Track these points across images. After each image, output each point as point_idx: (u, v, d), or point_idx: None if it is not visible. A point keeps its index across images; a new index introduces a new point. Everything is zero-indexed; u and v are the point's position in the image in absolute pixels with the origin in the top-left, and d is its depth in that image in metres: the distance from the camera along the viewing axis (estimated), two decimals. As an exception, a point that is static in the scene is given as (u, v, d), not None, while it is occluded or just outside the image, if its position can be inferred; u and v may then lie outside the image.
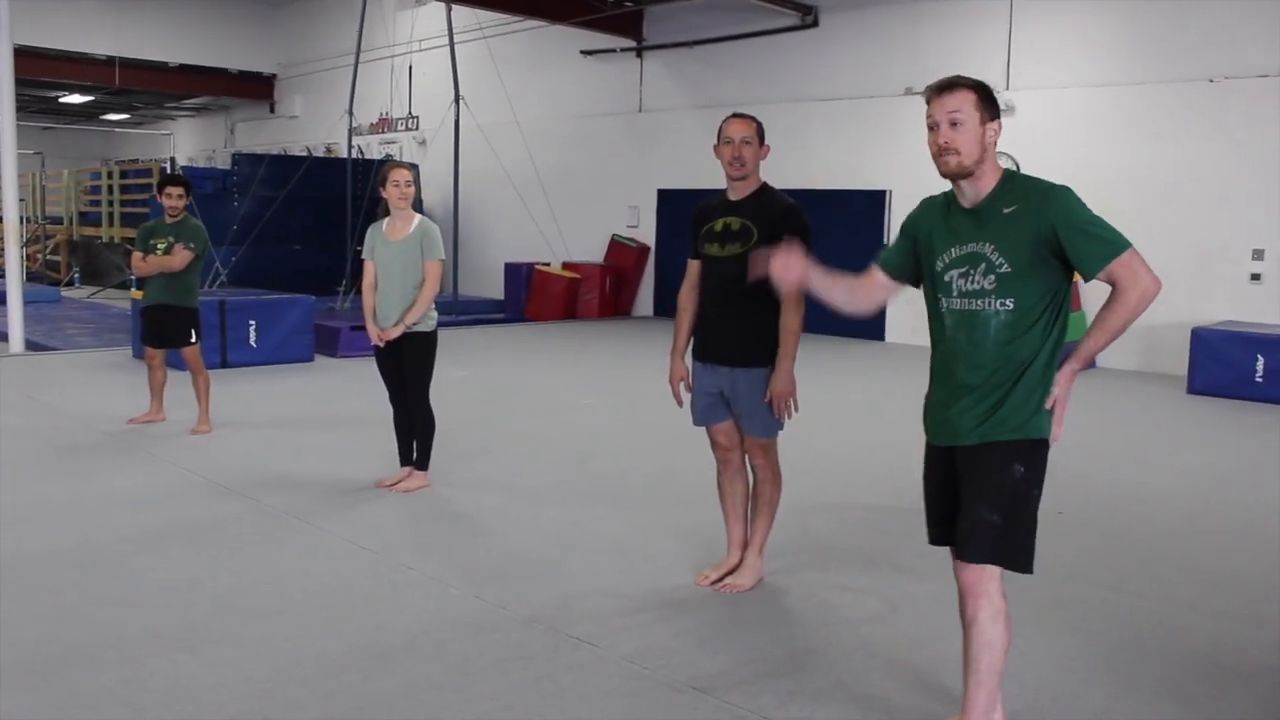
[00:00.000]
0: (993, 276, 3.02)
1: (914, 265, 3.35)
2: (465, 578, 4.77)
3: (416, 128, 20.96)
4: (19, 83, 23.29)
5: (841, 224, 14.62)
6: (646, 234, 17.26)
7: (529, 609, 4.39)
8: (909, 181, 13.96)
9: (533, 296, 16.78)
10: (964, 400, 3.10)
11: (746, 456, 4.66)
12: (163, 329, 7.85)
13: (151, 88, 24.62)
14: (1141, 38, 12.00)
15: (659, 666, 3.84)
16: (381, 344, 6.19)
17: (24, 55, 20.23)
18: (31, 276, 22.33)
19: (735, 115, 4.53)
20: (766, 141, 4.55)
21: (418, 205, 19.51)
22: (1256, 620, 4.44)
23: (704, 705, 3.55)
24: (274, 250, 17.40)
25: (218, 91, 25.47)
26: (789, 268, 3.42)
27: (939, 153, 3.07)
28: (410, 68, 20.85)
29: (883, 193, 14.22)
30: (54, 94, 26.29)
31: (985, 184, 3.07)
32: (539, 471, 6.86)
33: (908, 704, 3.60)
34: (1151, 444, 8.18)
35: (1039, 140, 12.44)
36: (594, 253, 17.64)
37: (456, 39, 16.98)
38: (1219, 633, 4.29)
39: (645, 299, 17.40)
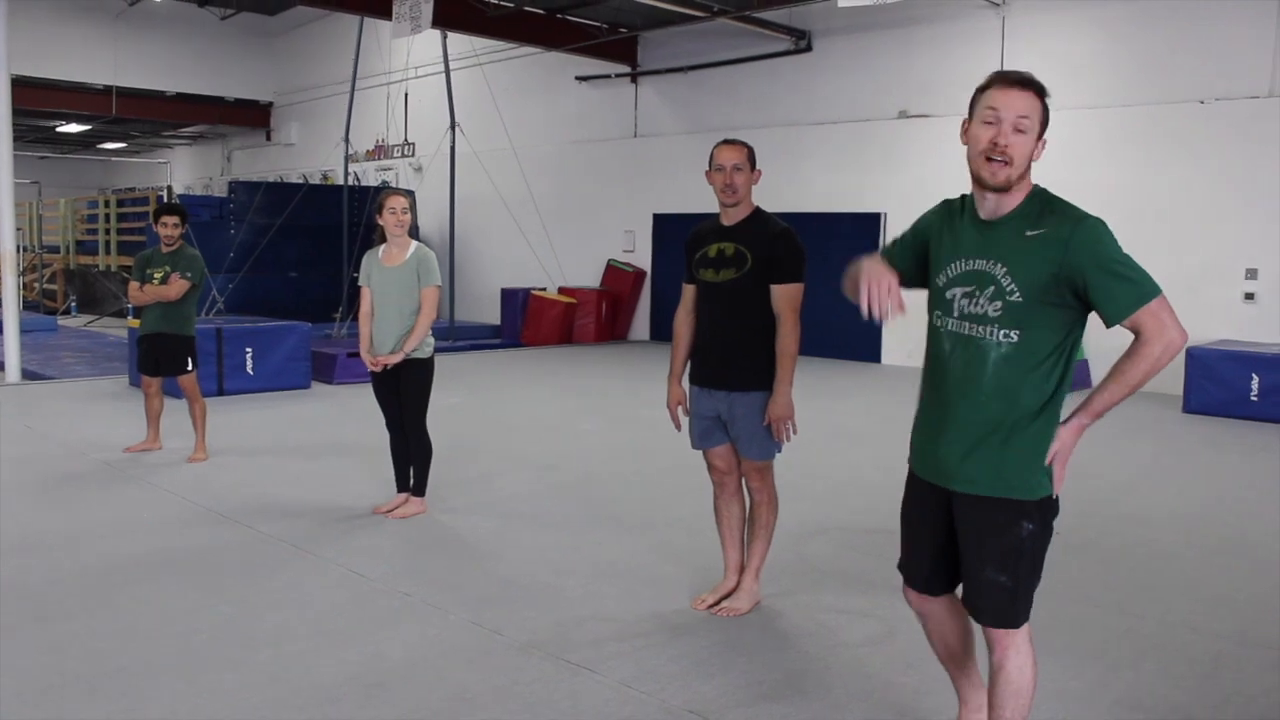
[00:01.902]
0: (1000, 303, 2.73)
1: (916, 270, 3.05)
2: (463, 604, 4.77)
3: (413, 154, 21.05)
4: (16, 113, 23.50)
5: (837, 247, 14.64)
6: (642, 259, 17.31)
7: (526, 635, 4.39)
8: (904, 204, 14.02)
9: (529, 322, 16.81)
10: (954, 434, 2.84)
11: (743, 480, 4.68)
12: (159, 357, 7.86)
13: (148, 116, 24.72)
14: (1133, 60, 12.09)
15: (656, 691, 3.84)
16: (377, 370, 6.21)
17: (22, 85, 20.35)
18: (28, 305, 22.38)
19: (726, 141, 4.55)
20: (759, 166, 4.55)
21: (414, 232, 19.66)
22: (1257, 641, 4.44)
23: (702, 730, 3.55)
24: (270, 277, 17.46)
25: (214, 120, 25.57)
26: (885, 281, 2.89)
27: (990, 156, 2.74)
28: (406, 95, 20.96)
29: (878, 215, 14.28)
30: (52, 123, 26.37)
31: (1012, 199, 2.78)
32: (536, 496, 6.87)
33: (906, 727, 3.60)
34: (1149, 464, 8.19)
35: (1039, 163, 12.47)
36: (590, 278, 17.69)
37: (452, 66, 17.11)
38: (1219, 654, 4.29)
39: (641, 323, 17.43)
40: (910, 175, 13.93)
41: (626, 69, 17.25)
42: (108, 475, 7.33)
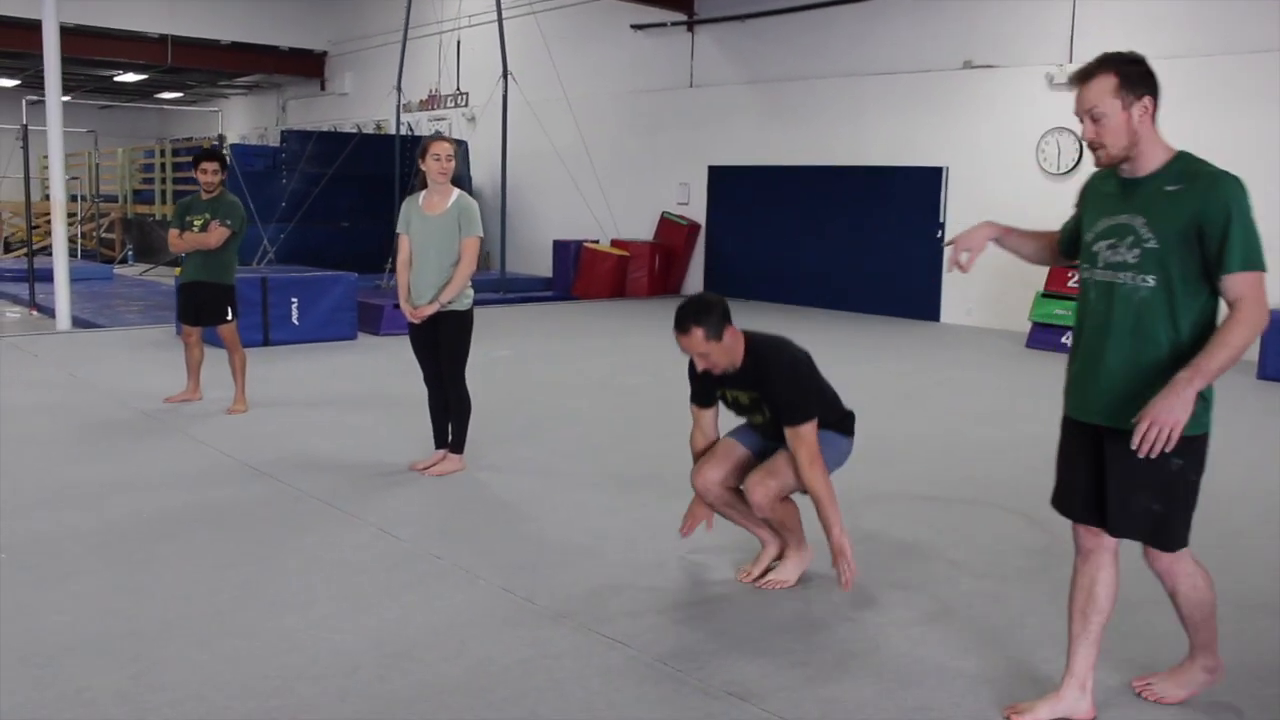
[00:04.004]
0: (1138, 250, 2.96)
1: (1078, 239, 3.28)
2: (495, 568, 4.56)
3: (466, 104, 20.78)
4: (72, 61, 23.56)
5: (895, 202, 14.26)
6: (697, 211, 16.94)
7: (559, 603, 4.17)
8: (966, 158, 13.56)
9: (581, 274, 16.56)
10: (1101, 375, 3.06)
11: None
12: (199, 306, 7.73)
13: (203, 66, 24.62)
14: (1211, 7, 11.47)
15: (694, 670, 3.60)
16: (416, 322, 6.01)
17: (77, 34, 20.39)
18: (86, 254, 22.54)
19: (676, 328, 4.07)
20: (729, 323, 4.11)
21: (464, 182, 19.49)
22: (1342, 627, 4.11)
23: (742, 713, 3.31)
24: (322, 228, 17.31)
25: (269, 69, 25.43)
26: (970, 247, 3.36)
27: (1088, 146, 3.06)
28: (459, 44, 20.65)
29: (939, 170, 13.80)
30: (108, 73, 26.39)
31: (1148, 162, 3.00)
32: (580, 455, 6.64)
33: (963, 715, 3.34)
34: (1219, 435, 7.76)
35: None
36: (644, 230, 17.36)
37: (505, 14, 16.77)
38: (1301, 640, 3.97)
39: (695, 277, 17.09)
40: (974, 129, 13.42)
41: (683, 17, 16.79)
42: (145, 426, 7.22)
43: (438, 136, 6.19)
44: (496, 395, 8.27)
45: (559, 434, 7.21)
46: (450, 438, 6.18)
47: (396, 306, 11.06)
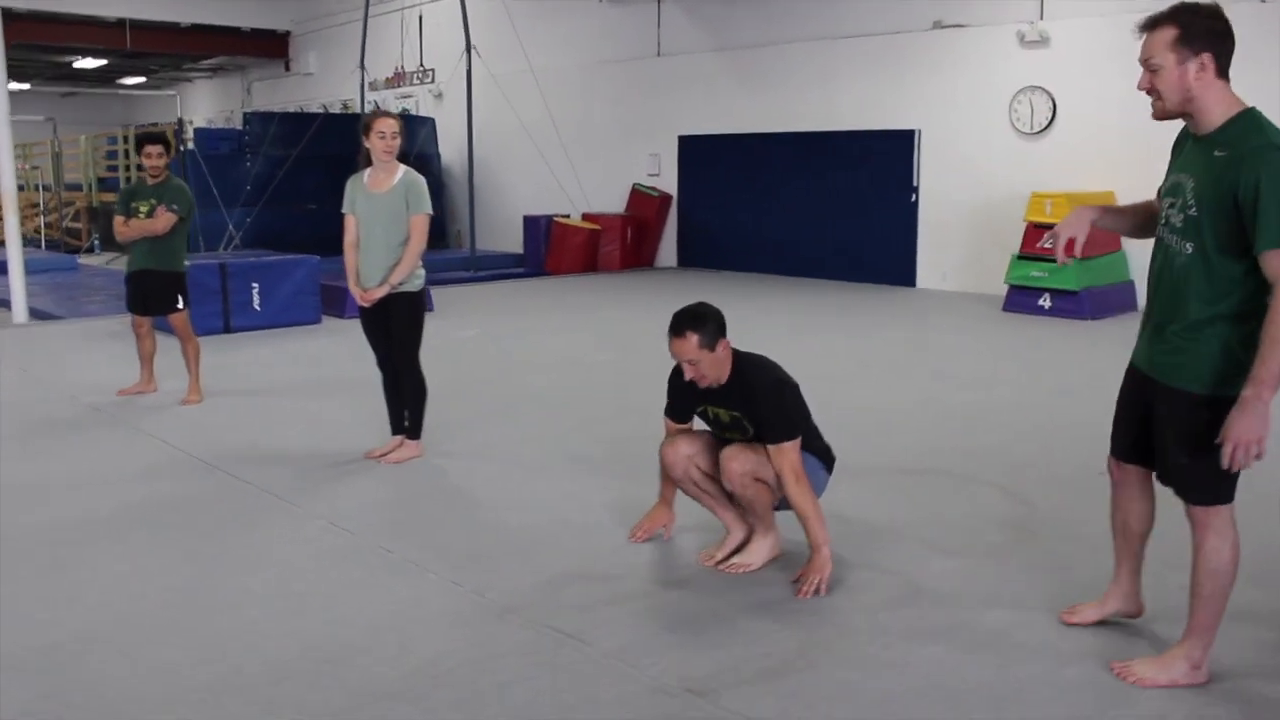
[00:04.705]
0: (1182, 216, 2.96)
1: None
2: (446, 560, 4.35)
3: (432, 80, 20.42)
4: (27, 48, 23.04)
5: (868, 166, 14.03)
6: (668, 182, 16.67)
7: (510, 597, 3.97)
8: (938, 120, 13.33)
9: (552, 249, 16.29)
10: (1151, 330, 3.13)
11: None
12: (148, 296, 7.46)
13: (164, 49, 24.13)
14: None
15: (649, 665, 3.40)
16: (366, 305, 5.77)
17: (29, 19, 19.93)
18: (51, 245, 22.14)
19: (671, 332, 3.98)
20: (715, 341, 3.97)
21: (434, 160, 19.18)
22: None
23: (698, 713, 3.12)
24: (288, 211, 16.98)
25: (232, 51, 24.95)
26: (1073, 233, 3.25)
27: (1147, 94, 3.03)
28: (420, 19, 20.28)
29: (911, 132, 13.56)
30: (66, 59, 25.87)
31: (1210, 118, 2.95)
32: (543, 438, 6.43)
33: (928, 703, 3.15)
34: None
35: (1078, 73, 11.75)
36: (615, 203, 17.09)
37: (468, -12, 16.44)
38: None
39: (668, 249, 16.85)
40: (945, 90, 13.18)
41: (648, -16, 16.49)
42: (94, 420, 6.97)
43: (382, 112, 5.94)
44: (460, 377, 8.04)
45: (522, 416, 6.99)
46: (406, 423, 5.96)
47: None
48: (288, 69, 25.32)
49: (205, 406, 7.30)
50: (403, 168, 5.82)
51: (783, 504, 4.14)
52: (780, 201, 15.07)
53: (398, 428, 6.00)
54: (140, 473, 5.74)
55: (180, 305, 7.45)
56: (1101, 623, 3.61)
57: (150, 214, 7.26)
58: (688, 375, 4.03)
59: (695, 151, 16.15)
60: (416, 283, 5.78)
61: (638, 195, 16.77)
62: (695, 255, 16.39)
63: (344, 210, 5.87)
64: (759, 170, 15.26)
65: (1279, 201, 2.76)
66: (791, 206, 14.93)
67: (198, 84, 30.22)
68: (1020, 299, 11.36)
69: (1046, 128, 12.22)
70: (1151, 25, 2.96)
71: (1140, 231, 3.40)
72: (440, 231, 19.54)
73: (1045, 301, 11.12)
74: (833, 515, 4.79)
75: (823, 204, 14.53)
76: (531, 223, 16.75)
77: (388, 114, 5.90)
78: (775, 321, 10.56)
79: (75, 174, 24.18)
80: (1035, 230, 11.35)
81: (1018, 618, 3.72)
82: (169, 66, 28.10)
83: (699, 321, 3.95)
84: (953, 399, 7.27)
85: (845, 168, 14.25)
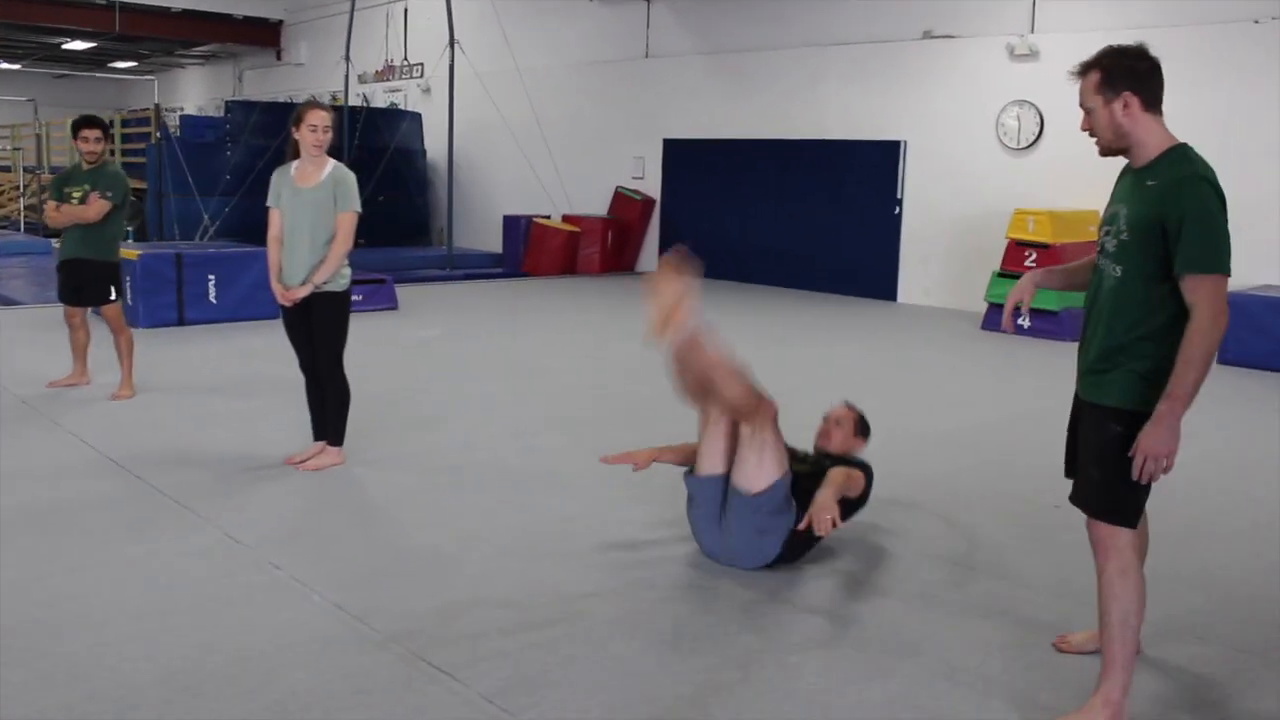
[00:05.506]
0: (1115, 241, 3.05)
1: None
2: (336, 581, 4.07)
3: (421, 75, 20.15)
4: (14, 28, 22.77)
5: (853, 177, 13.75)
6: (652, 186, 16.39)
7: (395, 623, 3.68)
8: (925, 131, 13.05)
9: (531, 251, 16.00)
10: (1082, 350, 3.18)
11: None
12: (80, 286, 7.18)
13: (154, 33, 23.82)
14: (1180, -26, 10.98)
15: (524, 709, 3.12)
16: (287, 305, 5.50)
17: (15, -1, 19.72)
18: (30, 228, 21.84)
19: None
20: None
21: (419, 156, 18.91)
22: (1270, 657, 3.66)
23: (563, 766, 2.84)
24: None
25: (223, 38, 24.66)
26: (1017, 297, 3.55)
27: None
28: (406, 12, 19.99)
29: (897, 144, 13.29)
30: (56, 40, 25.58)
31: (1144, 152, 3.06)
32: (475, 447, 6.15)
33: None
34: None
35: (1067, 89, 11.41)
36: (597, 205, 16.80)
37: (455, -17, 16.19)
38: (1231, 673, 3.51)
39: (650, 254, 16.53)
40: (933, 101, 12.90)
41: (639, -15, 16.22)
42: (16, 414, 6.67)
43: (314, 103, 5.66)
44: (405, 379, 7.77)
45: (456, 423, 6.70)
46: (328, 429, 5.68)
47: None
48: (279, 58, 25.05)
49: (135, 402, 7.02)
50: (332, 162, 5.55)
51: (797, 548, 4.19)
52: (763, 209, 14.79)
53: (320, 433, 5.72)
54: (46, 472, 5.45)
55: (113, 297, 7.17)
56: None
57: (84, 200, 6.98)
58: None
59: (680, 155, 15.88)
60: (341, 283, 5.51)
61: (621, 198, 16.49)
62: (677, 261, 16.09)
63: (268, 204, 5.61)
64: (743, 176, 14.99)
65: (1200, 229, 2.87)
66: (775, 215, 14.65)
67: (190, 70, 29.95)
68: (1000, 317, 10.98)
69: (1034, 143, 11.95)
70: (1083, 71, 3.11)
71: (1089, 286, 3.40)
72: (423, 228, 19.27)
73: (1025, 321, 10.84)
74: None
75: (807, 214, 14.26)
76: (511, 222, 16.47)
77: (319, 105, 5.64)
78: (749, 333, 10.25)
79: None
80: (1017, 248, 11.10)
81: (938, 670, 3.44)
82: (161, 52, 27.81)
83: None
84: (912, 423, 6.98)
85: (830, 177, 13.98)
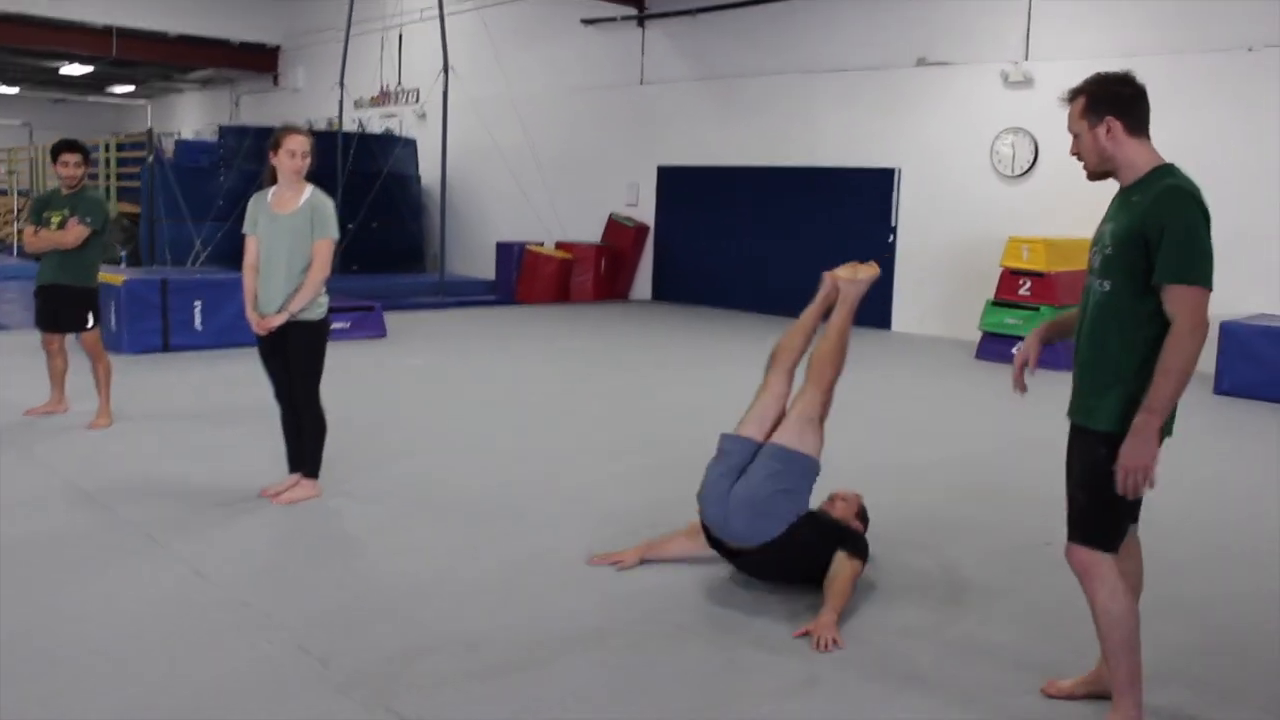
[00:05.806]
0: (1100, 257, 3.10)
1: None
2: (302, 619, 3.95)
3: (416, 100, 20.13)
4: (12, 53, 22.75)
5: (847, 204, 13.69)
6: (646, 213, 16.33)
7: (357, 666, 3.56)
8: (918, 159, 13.00)
9: (523, 278, 15.92)
10: (1074, 375, 3.16)
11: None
12: (58, 312, 7.09)
13: (151, 59, 23.84)
14: (1172, 3, 10.95)
15: (483, 760, 3.00)
16: (262, 334, 5.40)
17: (14, 22, 19.70)
18: (24, 251, 21.76)
19: None
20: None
21: (414, 182, 18.85)
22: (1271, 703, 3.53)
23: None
24: (249, 228, 16.63)
25: (220, 63, 24.68)
26: (1024, 356, 3.57)
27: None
28: (400, 38, 19.99)
29: (891, 171, 13.23)
30: (53, 64, 25.60)
31: (1131, 173, 3.11)
32: (456, 480, 6.03)
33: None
34: (1168, 455, 7.20)
35: (1061, 116, 11.34)
36: (591, 232, 16.74)
37: (450, 10, 16.19)
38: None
39: (644, 282, 16.49)
40: (927, 128, 12.87)
41: (633, 11, 16.17)
42: (-12, 442, 6.57)
43: (291, 128, 5.58)
44: (388, 408, 7.67)
45: (436, 454, 6.59)
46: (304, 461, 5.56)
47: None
48: (276, 83, 25.07)
49: (112, 431, 6.91)
50: (310, 187, 5.47)
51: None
52: (758, 237, 14.73)
53: (295, 465, 5.61)
54: (15, 502, 5.33)
55: (91, 324, 7.07)
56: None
57: (62, 225, 6.90)
58: None
59: (674, 183, 15.84)
60: (318, 311, 5.41)
61: (614, 225, 16.44)
62: (670, 288, 16.04)
63: (245, 230, 5.51)
64: (737, 203, 14.94)
65: (1179, 240, 2.91)
66: (769, 243, 14.58)
67: (187, 95, 29.98)
68: (994, 346, 10.98)
69: (1028, 170, 11.90)
70: (1070, 98, 3.18)
71: None
72: (417, 254, 19.20)
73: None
74: (719, 581, 4.41)
75: (801, 241, 14.17)
76: (504, 249, 16.40)
77: (298, 130, 5.55)
78: (741, 361, 10.18)
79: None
80: (1011, 276, 11.01)
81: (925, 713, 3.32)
82: (158, 76, 27.84)
83: None
84: (897, 454, 6.87)
85: (824, 205, 13.92)
